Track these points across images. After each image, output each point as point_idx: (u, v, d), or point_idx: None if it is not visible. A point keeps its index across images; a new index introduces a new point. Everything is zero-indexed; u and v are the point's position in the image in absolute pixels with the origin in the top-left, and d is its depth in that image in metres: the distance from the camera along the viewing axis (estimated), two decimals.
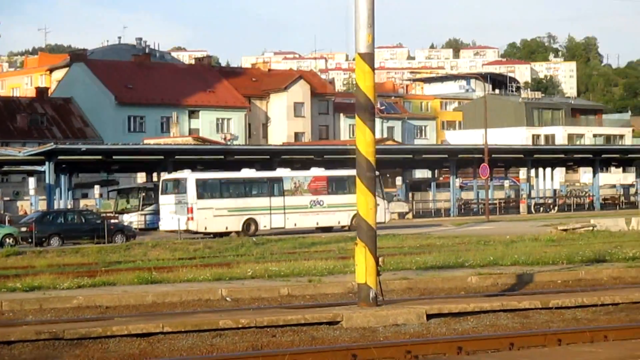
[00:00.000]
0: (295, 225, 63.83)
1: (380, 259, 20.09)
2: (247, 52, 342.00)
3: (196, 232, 60.31)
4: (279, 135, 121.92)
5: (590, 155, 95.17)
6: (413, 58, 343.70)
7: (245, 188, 64.28)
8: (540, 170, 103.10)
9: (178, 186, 62.90)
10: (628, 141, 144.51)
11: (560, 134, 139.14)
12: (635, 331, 16.76)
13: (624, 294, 21.95)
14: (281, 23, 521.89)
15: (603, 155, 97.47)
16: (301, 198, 64.83)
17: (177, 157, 73.87)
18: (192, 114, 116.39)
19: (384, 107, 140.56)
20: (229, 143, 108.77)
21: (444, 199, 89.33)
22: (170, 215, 61.64)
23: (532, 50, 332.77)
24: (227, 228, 61.48)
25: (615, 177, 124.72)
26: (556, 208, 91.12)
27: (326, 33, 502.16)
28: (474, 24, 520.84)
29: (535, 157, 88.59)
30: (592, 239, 44.55)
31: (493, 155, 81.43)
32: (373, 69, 20.12)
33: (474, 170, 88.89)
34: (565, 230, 51.29)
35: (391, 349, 15.32)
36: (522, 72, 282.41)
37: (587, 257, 31.96)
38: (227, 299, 24.09)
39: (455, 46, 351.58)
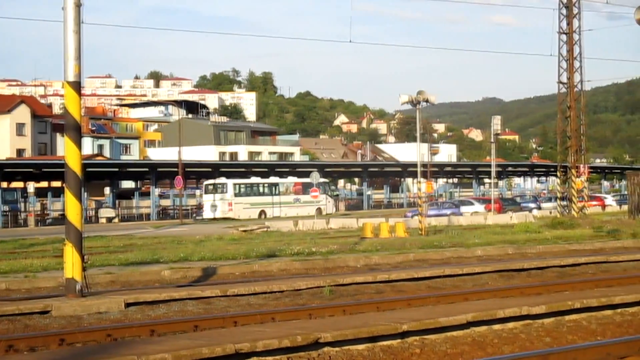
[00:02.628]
0: (285, 214, 78.54)
1: (86, 257, 19.70)
2: None
3: (233, 219, 72.87)
4: (2, 151, 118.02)
5: (267, 169, 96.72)
6: (120, 87, 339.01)
7: (259, 189, 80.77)
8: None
9: (219, 188, 78.20)
10: (297, 157, 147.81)
11: (243, 152, 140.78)
12: (296, 313, 17.08)
13: (289, 282, 22.30)
14: (5, 52, 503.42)
15: (277, 169, 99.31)
16: (289, 197, 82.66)
17: None
18: None
19: (95, 128, 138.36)
20: None
21: (146, 205, 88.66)
22: (212, 208, 77.48)
23: (220, 82, 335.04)
24: (249, 216, 76.24)
25: None
26: None
27: (47, 63, 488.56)
28: (172, 58, 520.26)
29: (222, 170, 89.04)
30: (266, 238, 45.26)
31: (187, 169, 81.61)
32: (80, 96, 19.65)
33: (170, 181, 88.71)
34: (245, 231, 51.92)
35: (94, 333, 15.01)
36: (212, 100, 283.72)
37: (261, 253, 32.40)
38: None
39: (156, 77, 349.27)
